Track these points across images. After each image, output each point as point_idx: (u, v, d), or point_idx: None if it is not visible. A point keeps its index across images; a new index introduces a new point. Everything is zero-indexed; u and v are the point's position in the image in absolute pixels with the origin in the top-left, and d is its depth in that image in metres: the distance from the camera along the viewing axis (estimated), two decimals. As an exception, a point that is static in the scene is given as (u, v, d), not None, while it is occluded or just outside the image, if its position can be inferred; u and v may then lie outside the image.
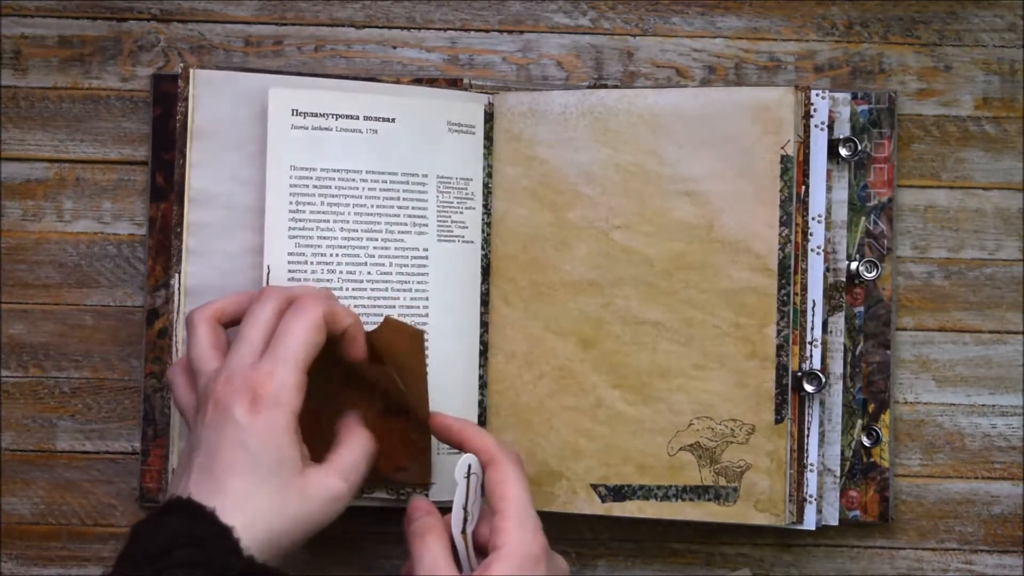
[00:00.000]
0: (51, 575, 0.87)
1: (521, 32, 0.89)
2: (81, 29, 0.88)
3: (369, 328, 0.78)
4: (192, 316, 0.76)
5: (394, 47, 0.89)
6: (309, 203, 0.81)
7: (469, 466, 0.76)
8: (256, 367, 0.71)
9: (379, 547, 0.88)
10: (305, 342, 0.72)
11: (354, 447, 0.75)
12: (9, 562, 0.87)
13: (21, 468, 0.87)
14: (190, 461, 0.70)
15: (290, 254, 0.81)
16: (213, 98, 0.82)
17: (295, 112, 0.81)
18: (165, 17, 0.88)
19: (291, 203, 0.81)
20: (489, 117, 0.86)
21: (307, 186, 0.81)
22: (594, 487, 0.84)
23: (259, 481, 0.69)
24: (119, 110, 0.88)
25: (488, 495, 0.76)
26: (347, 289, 0.82)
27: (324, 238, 0.81)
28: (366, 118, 0.83)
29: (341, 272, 0.82)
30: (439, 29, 0.89)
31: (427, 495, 0.84)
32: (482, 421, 0.86)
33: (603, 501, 0.84)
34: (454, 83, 0.87)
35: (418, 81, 0.87)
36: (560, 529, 0.88)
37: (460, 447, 0.78)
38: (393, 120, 0.83)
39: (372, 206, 0.83)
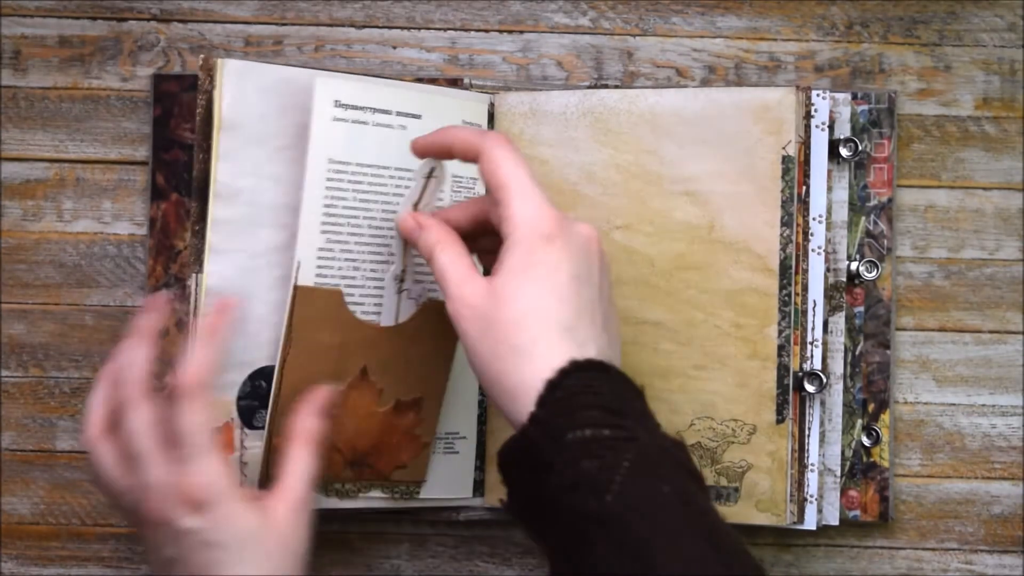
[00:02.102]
0: (51, 575, 0.87)
1: (521, 32, 0.89)
2: (81, 29, 0.88)
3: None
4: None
5: (394, 47, 0.89)
6: (342, 199, 0.79)
7: (431, 168, 0.77)
8: (179, 479, 0.70)
9: (379, 547, 0.88)
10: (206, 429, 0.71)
11: (296, 461, 0.75)
12: (9, 562, 0.87)
13: (21, 468, 0.87)
14: (172, 571, 0.71)
15: (320, 249, 0.79)
16: (240, 89, 0.79)
17: (337, 103, 0.80)
18: (165, 17, 0.88)
19: (326, 197, 0.79)
20: (491, 117, 0.86)
21: (342, 180, 0.79)
22: (595, 487, 0.84)
23: (246, 562, 0.70)
24: (119, 110, 0.88)
25: (487, 190, 0.71)
26: (369, 287, 0.81)
27: (353, 235, 0.80)
28: (398, 113, 0.82)
29: (365, 270, 0.80)
30: (439, 29, 0.89)
31: (419, 492, 0.84)
32: (482, 421, 0.86)
33: (604, 501, 0.83)
34: (454, 83, 0.87)
35: (418, 81, 0.87)
36: (560, 529, 0.88)
37: (448, 154, 0.75)
38: (419, 116, 0.82)
39: (397, 203, 0.82)
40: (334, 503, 0.82)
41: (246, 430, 0.80)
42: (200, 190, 0.80)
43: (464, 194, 0.84)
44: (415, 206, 0.79)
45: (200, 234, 0.80)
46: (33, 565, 0.87)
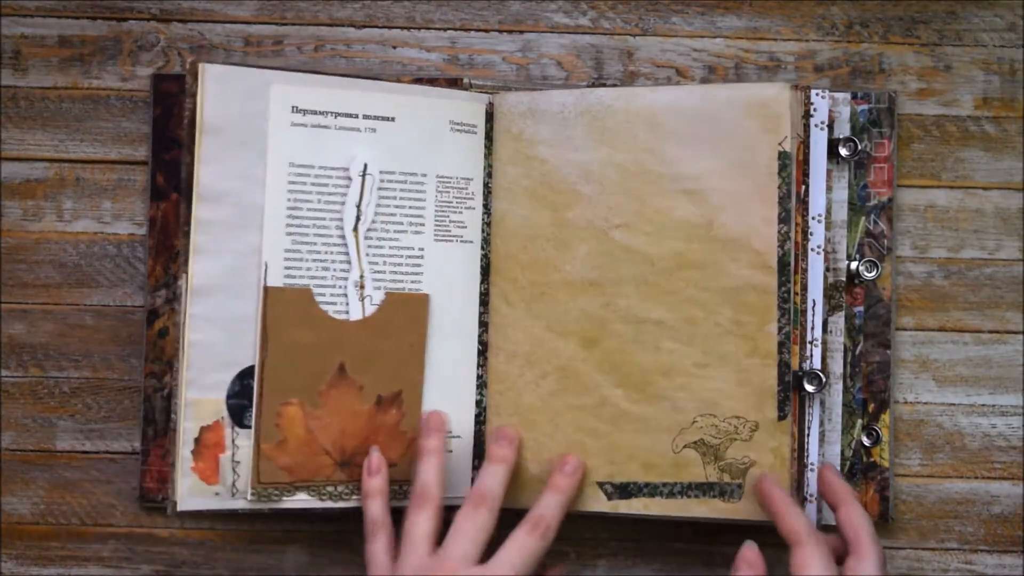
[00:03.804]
0: (51, 575, 0.87)
1: (521, 32, 0.89)
2: (81, 29, 0.88)
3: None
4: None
5: (394, 47, 0.89)
6: (306, 201, 0.81)
7: (365, 165, 0.80)
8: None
9: (379, 547, 0.88)
10: (532, 552, 0.78)
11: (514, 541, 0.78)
12: (9, 562, 0.87)
13: (21, 468, 0.87)
14: None
15: (286, 251, 0.81)
16: (222, 93, 0.81)
17: (295, 109, 0.81)
18: (165, 17, 0.88)
19: (289, 200, 0.81)
20: (489, 117, 0.86)
21: (305, 183, 0.81)
22: (600, 485, 0.84)
23: None
24: (119, 110, 0.88)
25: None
26: (339, 287, 0.82)
27: (320, 236, 0.82)
28: (365, 116, 0.83)
29: (335, 270, 0.82)
30: (439, 29, 0.89)
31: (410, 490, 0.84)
32: (480, 421, 0.86)
33: (609, 499, 0.84)
34: (454, 83, 0.87)
35: (418, 81, 0.87)
36: (561, 529, 0.88)
37: (773, 519, 0.79)
38: (393, 119, 0.83)
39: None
40: (328, 506, 0.83)
41: (237, 429, 0.81)
42: (187, 192, 0.81)
43: (453, 194, 0.85)
44: (357, 206, 0.81)
45: (188, 234, 0.81)
46: (33, 565, 0.87)
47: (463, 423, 0.86)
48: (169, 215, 0.86)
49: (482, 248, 0.86)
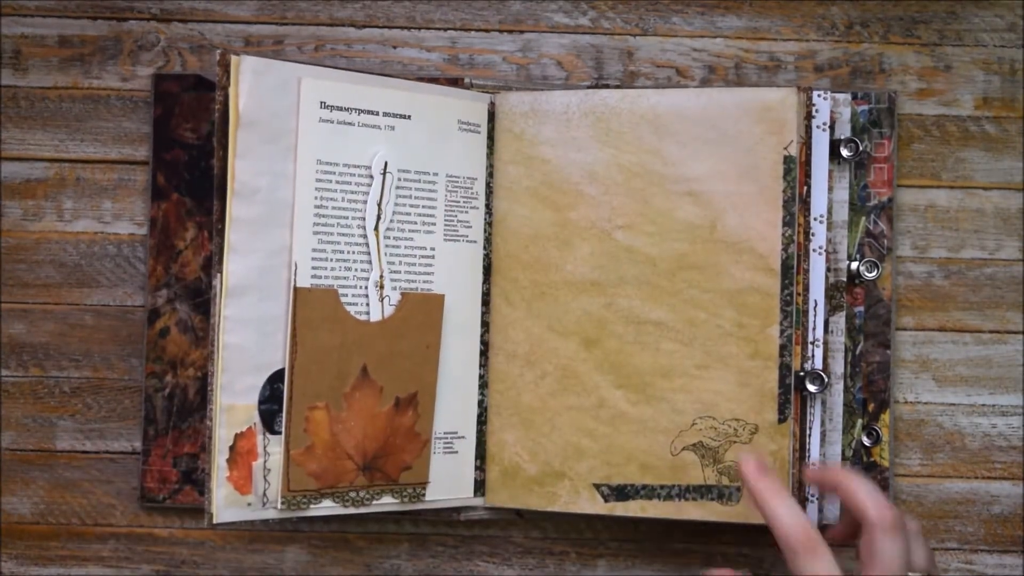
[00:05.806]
0: (51, 575, 0.87)
1: (521, 32, 0.89)
2: (81, 29, 0.88)
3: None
4: None
5: (394, 47, 0.89)
6: (331, 199, 0.81)
7: (385, 163, 0.80)
8: None
9: (379, 547, 0.88)
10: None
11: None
12: (9, 562, 0.87)
13: (21, 468, 0.87)
14: None
15: (313, 250, 0.80)
16: (256, 86, 0.79)
17: (323, 104, 0.80)
18: (165, 17, 0.88)
19: (316, 198, 0.80)
20: (491, 116, 0.86)
21: (330, 181, 0.80)
22: (597, 487, 0.84)
23: None
24: (119, 110, 0.88)
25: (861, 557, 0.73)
26: (360, 288, 0.81)
27: (343, 235, 0.81)
28: (385, 114, 0.82)
29: (356, 270, 0.81)
30: (439, 29, 0.89)
31: (424, 495, 0.84)
32: (481, 420, 0.86)
33: (606, 501, 0.84)
34: (454, 83, 0.87)
35: (418, 81, 0.87)
36: (561, 529, 0.88)
37: (844, 498, 0.74)
38: (409, 117, 0.83)
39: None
40: (351, 511, 0.82)
41: (268, 435, 0.80)
42: (219, 188, 0.79)
43: (460, 194, 0.85)
44: (378, 205, 0.81)
45: (221, 233, 0.79)
46: (33, 565, 0.87)
47: (466, 422, 0.86)
48: (170, 215, 0.86)
49: (484, 248, 0.86)
